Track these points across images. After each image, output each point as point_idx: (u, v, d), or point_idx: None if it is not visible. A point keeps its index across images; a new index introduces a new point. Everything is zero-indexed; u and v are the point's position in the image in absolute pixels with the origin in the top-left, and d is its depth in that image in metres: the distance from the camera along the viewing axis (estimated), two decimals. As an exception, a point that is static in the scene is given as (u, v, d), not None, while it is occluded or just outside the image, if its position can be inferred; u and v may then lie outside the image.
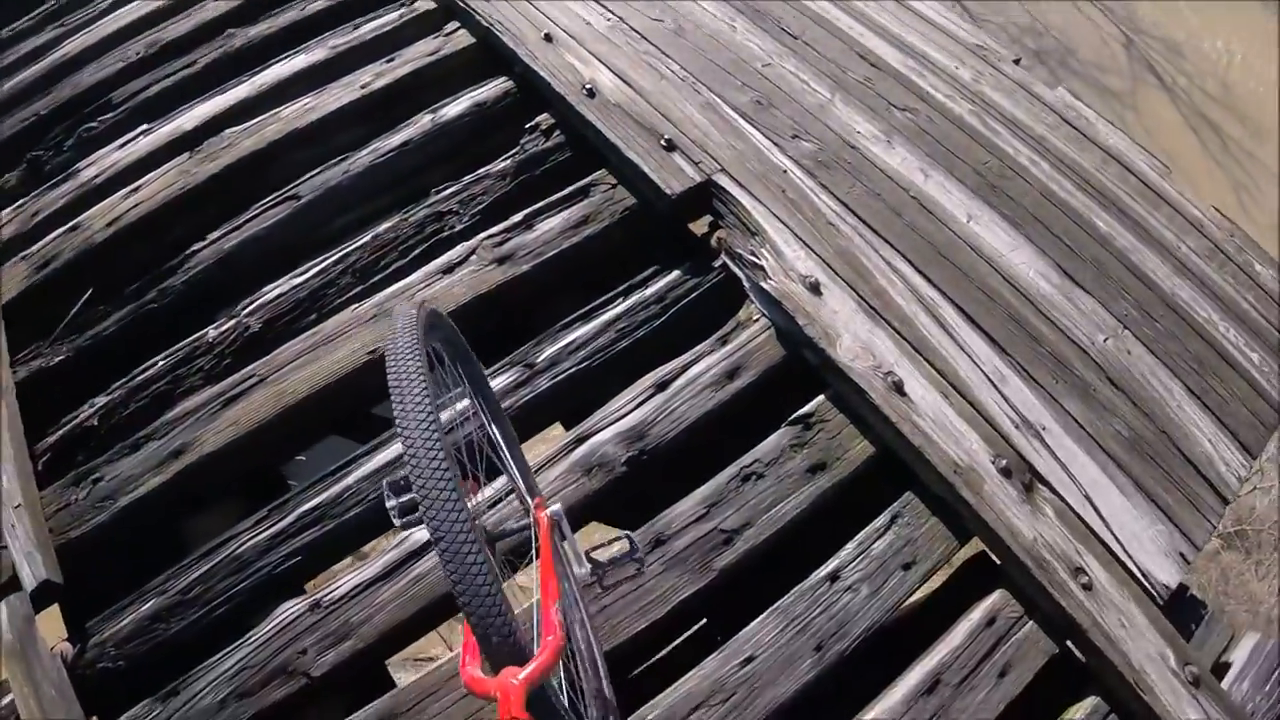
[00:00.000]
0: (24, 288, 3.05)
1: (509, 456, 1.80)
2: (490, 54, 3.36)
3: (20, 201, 3.38)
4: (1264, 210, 9.21)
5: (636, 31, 3.25)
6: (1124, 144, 3.26)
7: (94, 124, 3.67)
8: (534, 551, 1.53)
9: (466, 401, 1.73)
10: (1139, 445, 2.72)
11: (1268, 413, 3.05)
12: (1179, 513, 2.62)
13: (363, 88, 3.33)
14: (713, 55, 3.16)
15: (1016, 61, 3.43)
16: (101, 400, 2.65)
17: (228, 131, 3.33)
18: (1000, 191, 2.92)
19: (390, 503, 1.37)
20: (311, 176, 3.13)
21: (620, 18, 3.32)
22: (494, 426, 1.80)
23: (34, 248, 3.14)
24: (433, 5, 3.58)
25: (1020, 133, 3.14)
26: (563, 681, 1.45)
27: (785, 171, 2.78)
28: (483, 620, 1.04)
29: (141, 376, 2.70)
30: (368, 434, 2.72)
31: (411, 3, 3.63)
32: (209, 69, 3.68)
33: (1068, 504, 2.51)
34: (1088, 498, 2.57)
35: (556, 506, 1.67)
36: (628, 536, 1.79)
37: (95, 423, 2.60)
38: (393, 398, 1.15)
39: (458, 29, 3.47)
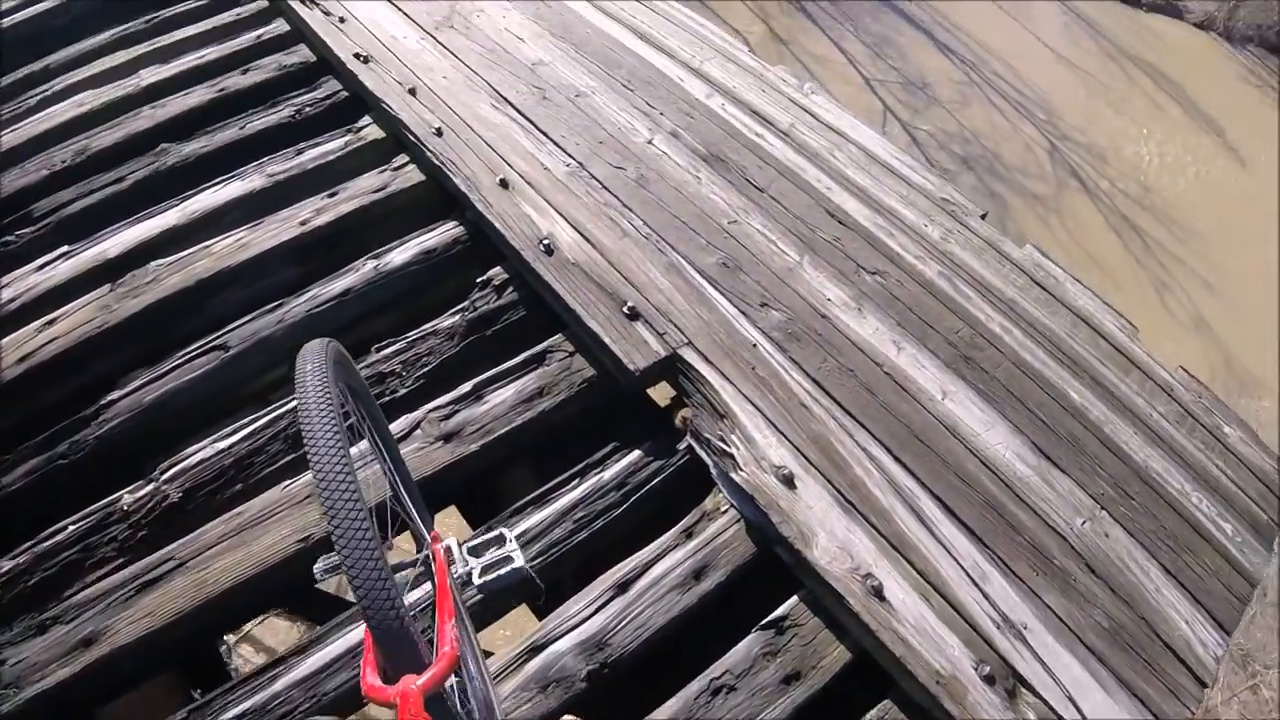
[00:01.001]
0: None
1: (404, 492, 1.88)
2: (441, 194, 3.27)
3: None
4: (1185, 308, 9.62)
5: (597, 180, 3.18)
6: (1092, 304, 3.29)
7: (12, 238, 3.46)
8: (431, 575, 1.74)
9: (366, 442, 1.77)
10: (1119, 635, 2.66)
11: (1241, 586, 3.04)
12: (1160, 705, 2.56)
13: (302, 224, 3.20)
14: (677, 209, 3.11)
15: (983, 216, 3.45)
16: (5, 564, 2.43)
17: (154, 264, 3.15)
18: (973, 363, 2.89)
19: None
20: (242, 324, 2.95)
21: (580, 163, 3.26)
22: (391, 464, 1.87)
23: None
24: (381, 135, 3.47)
25: (991, 296, 3.13)
26: (455, 689, 1.53)
27: (755, 345, 2.71)
28: (386, 632, 1.17)
29: (49, 542, 2.49)
30: (312, 607, 2.52)
31: (359, 130, 3.51)
32: (138, 187, 3.51)
33: (1050, 707, 2.42)
34: (1070, 699, 2.49)
35: (451, 540, 1.96)
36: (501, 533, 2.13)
37: (-8, 591, 2.33)
38: (308, 448, 1.25)
39: (407, 164, 3.37)
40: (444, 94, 3.54)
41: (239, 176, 3.39)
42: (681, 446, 2.62)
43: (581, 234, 2.97)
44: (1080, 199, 11.00)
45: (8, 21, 4.63)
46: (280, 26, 4.14)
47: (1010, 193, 10.88)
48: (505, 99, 3.55)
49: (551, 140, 3.38)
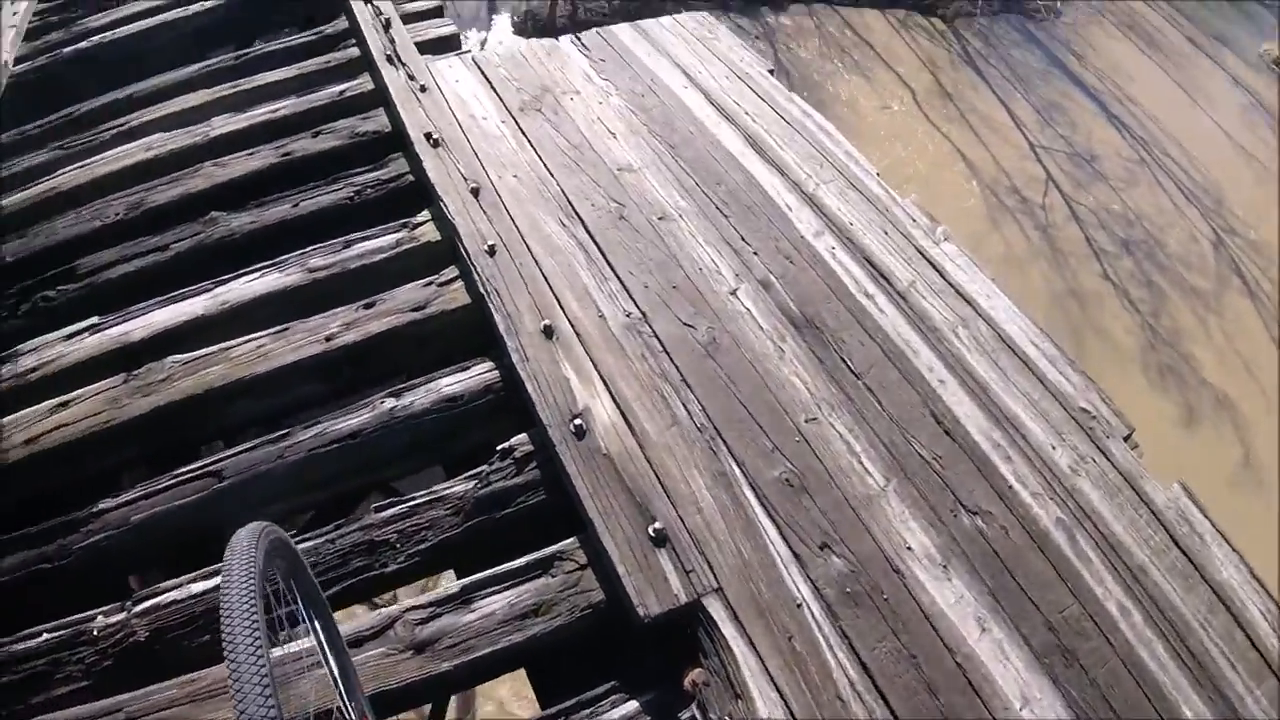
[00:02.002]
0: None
1: (348, 689, 1.84)
2: (484, 324, 2.95)
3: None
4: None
5: (659, 340, 2.80)
6: (1238, 577, 2.68)
7: (53, 294, 3.42)
8: None
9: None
10: None
11: None
12: None
13: (327, 339, 2.97)
14: (745, 394, 2.70)
15: (1128, 436, 2.86)
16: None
17: (170, 360, 3.02)
18: (1072, 659, 2.37)
19: None
20: (240, 453, 2.76)
21: (643, 313, 2.89)
22: (326, 642, 1.84)
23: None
24: (437, 237, 3.21)
25: (1117, 561, 2.58)
26: None
27: (800, 605, 2.28)
28: None
29: (21, 646, 2.45)
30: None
31: (415, 226, 3.26)
32: (180, 259, 3.42)
33: None
34: None
35: None
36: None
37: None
38: (224, 646, 1.27)
39: (455, 279, 3.10)
40: (510, 198, 3.24)
41: (278, 267, 3.20)
42: (685, 716, 2.22)
43: (624, 414, 2.61)
44: (1242, 300, 10.26)
45: (109, 36, 4.64)
46: (364, 84, 3.95)
47: (1169, 284, 10.20)
48: (577, 214, 3.22)
49: (617, 276, 3.02)
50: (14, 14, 5.19)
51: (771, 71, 4.16)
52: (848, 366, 2.87)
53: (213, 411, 2.99)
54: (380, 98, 3.83)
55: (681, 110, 3.79)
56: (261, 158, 3.66)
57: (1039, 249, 10.48)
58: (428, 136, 3.45)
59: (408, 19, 4.41)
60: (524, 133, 3.57)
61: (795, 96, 3.99)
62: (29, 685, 2.38)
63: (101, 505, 2.73)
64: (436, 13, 4.56)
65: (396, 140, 3.64)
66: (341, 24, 4.44)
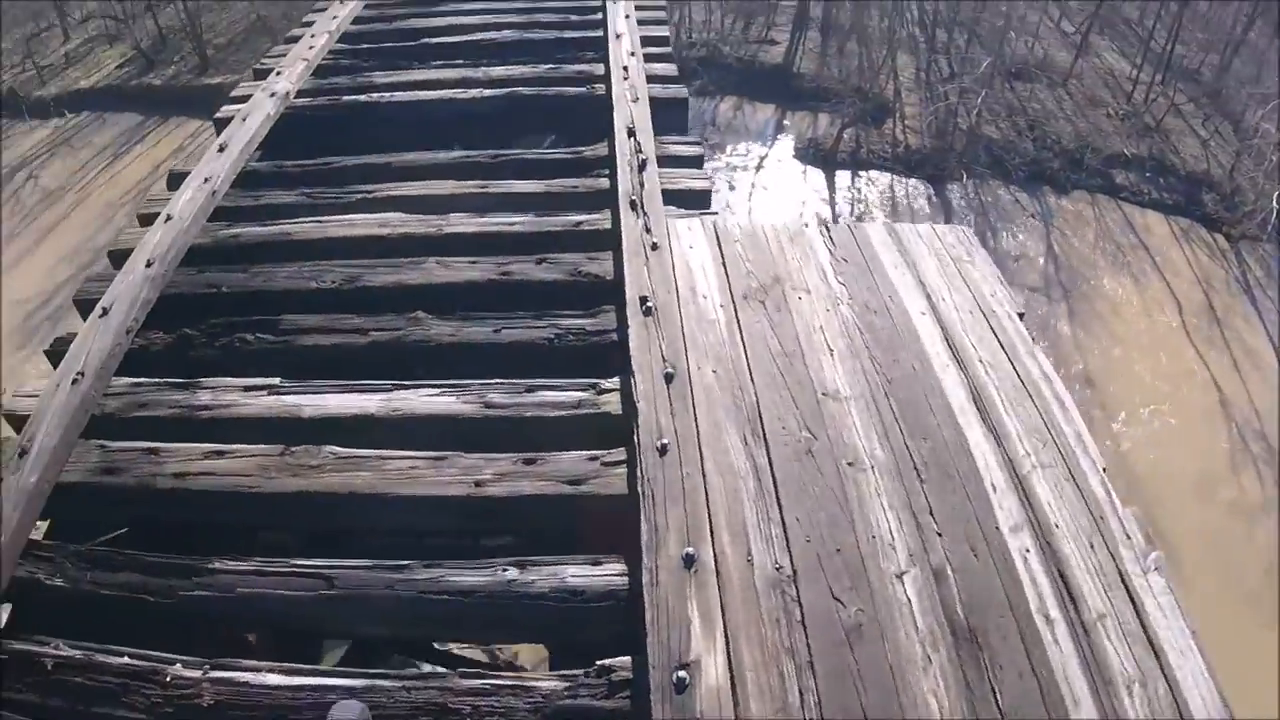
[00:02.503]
0: (77, 480, 3.40)
1: None
2: (626, 524, 3.07)
3: (137, 381, 3.75)
4: None
5: (800, 609, 2.84)
6: None
7: (250, 339, 3.90)
8: None
9: None
10: None
11: None
12: None
13: (476, 485, 3.23)
14: (872, 701, 2.67)
15: None
16: (60, 652, 2.82)
17: (327, 450, 3.44)
18: None
19: None
20: (356, 569, 3.05)
21: (793, 572, 2.95)
22: None
23: (107, 448, 3.49)
24: (618, 411, 3.39)
25: None
26: None
27: None
28: None
29: (104, 659, 2.82)
30: None
31: (601, 392, 3.49)
32: (373, 349, 3.85)
33: None
34: None
35: None
36: None
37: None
38: None
39: (619, 464, 3.29)
40: (701, 395, 3.41)
41: (458, 391, 3.56)
42: None
43: (734, 682, 2.64)
44: None
45: (389, 97, 5.30)
46: (601, 221, 4.31)
47: None
48: (764, 434, 3.32)
49: (782, 520, 3.08)
50: (310, 48, 6.05)
51: (1021, 315, 4.11)
52: (995, 701, 2.73)
53: (344, 515, 3.33)
54: (612, 241, 4.14)
55: (911, 340, 3.82)
56: (482, 270, 4.04)
57: (1272, 506, 10.11)
58: (642, 301, 3.69)
59: (665, 161, 4.75)
60: (739, 324, 3.74)
61: (1038, 352, 3.91)
62: (92, 695, 2.74)
63: (217, 564, 3.09)
64: (696, 161, 4.88)
65: (612, 292, 3.92)
66: (601, 149, 4.85)
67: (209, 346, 3.98)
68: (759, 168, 16.60)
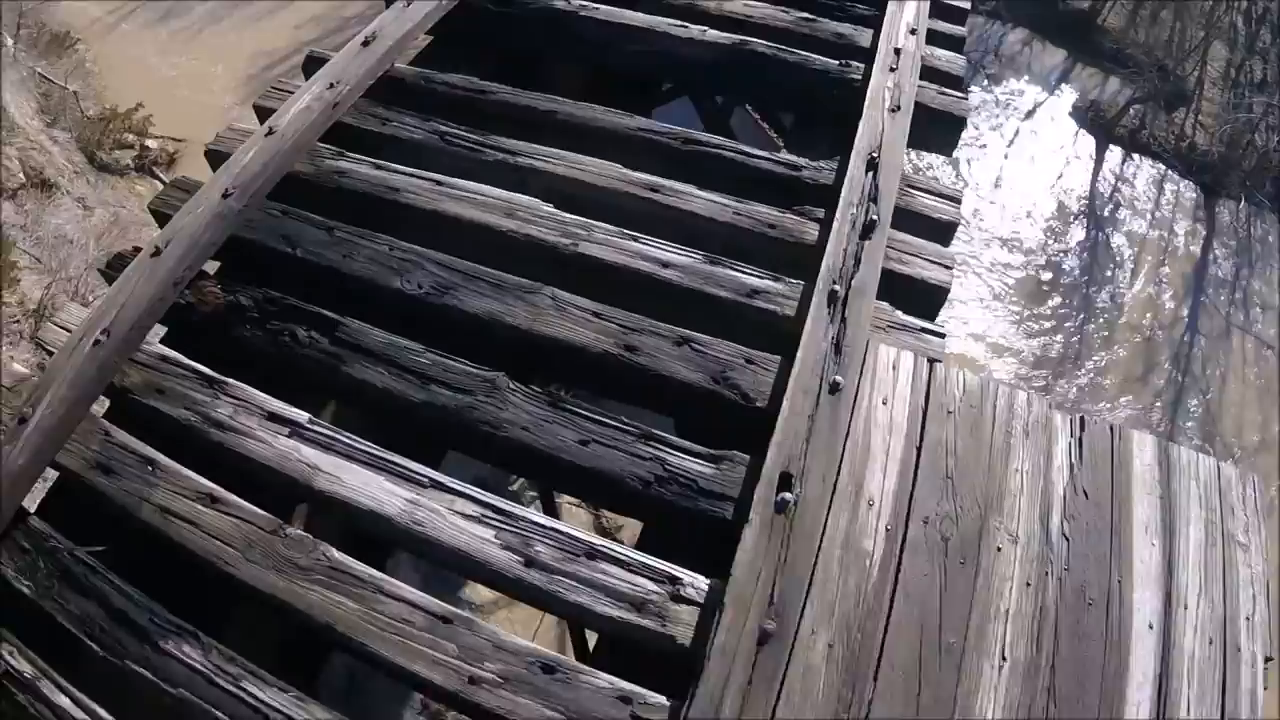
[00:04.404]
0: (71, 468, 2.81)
1: None
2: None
3: (165, 355, 3.04)
4: None
5: None
6: None
7: (302, 337, 3.21)
8: None
9: None
10: None
11: None
12: None
13: (470, 681, 2.25)
14: None
15: None
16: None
17: (323, 550, 2.60)
18: None
19: None
20: None
21: None
22: None
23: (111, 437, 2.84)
24: (687, 638, 2.28)
25: None
26: None
27: None
28: None
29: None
30: None
31: (677, 594, 2.40)
32: (426, 410, 2.93)
33: None
34: None
35: None
36: None
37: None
38: None
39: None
40: (795, 681, 2.29)
41: (499, 523, 2.49)
42: None
43: None
44: None
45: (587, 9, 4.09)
46: (781, 300, 3.13)
47: None
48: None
49: None
50: None
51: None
52: None
53: (328, 641, 2.53)
54: (786, 341, 2.86)
55: (1115, 673, 2.43)
56: (600, 333, 2.95)
57: None
58: (782, 483, 2.49)
59: (906, 219, 3.34)
60: (898, 572, 2.49)
61: None
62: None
63: (179, 651, 2.43)
64: (947, 230, 3.43)
65: (757, 429, 2.67)
66: (827, 173, 3.49)
67: (257, 328, 3.09)
68: (1029, 114, 14.36)
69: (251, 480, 2.75)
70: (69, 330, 3.04)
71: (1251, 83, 15.06)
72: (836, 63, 4.07)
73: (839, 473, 2.61)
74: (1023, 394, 2.90)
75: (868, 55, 4.07)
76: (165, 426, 2.88)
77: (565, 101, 3.79)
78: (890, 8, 4.33)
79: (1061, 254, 12.13)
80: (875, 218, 3.18)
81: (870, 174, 3.36)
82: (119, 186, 11.90)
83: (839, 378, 2.72)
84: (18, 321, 8.92)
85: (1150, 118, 13.94)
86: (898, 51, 4.00)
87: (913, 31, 4.17)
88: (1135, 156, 13.69)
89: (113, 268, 3.29)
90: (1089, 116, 14.09)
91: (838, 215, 3.19)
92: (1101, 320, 11.37)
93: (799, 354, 2.79)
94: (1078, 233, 12.48)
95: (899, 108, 3.70)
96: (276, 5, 15.04)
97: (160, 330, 3.18)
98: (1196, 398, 10.73)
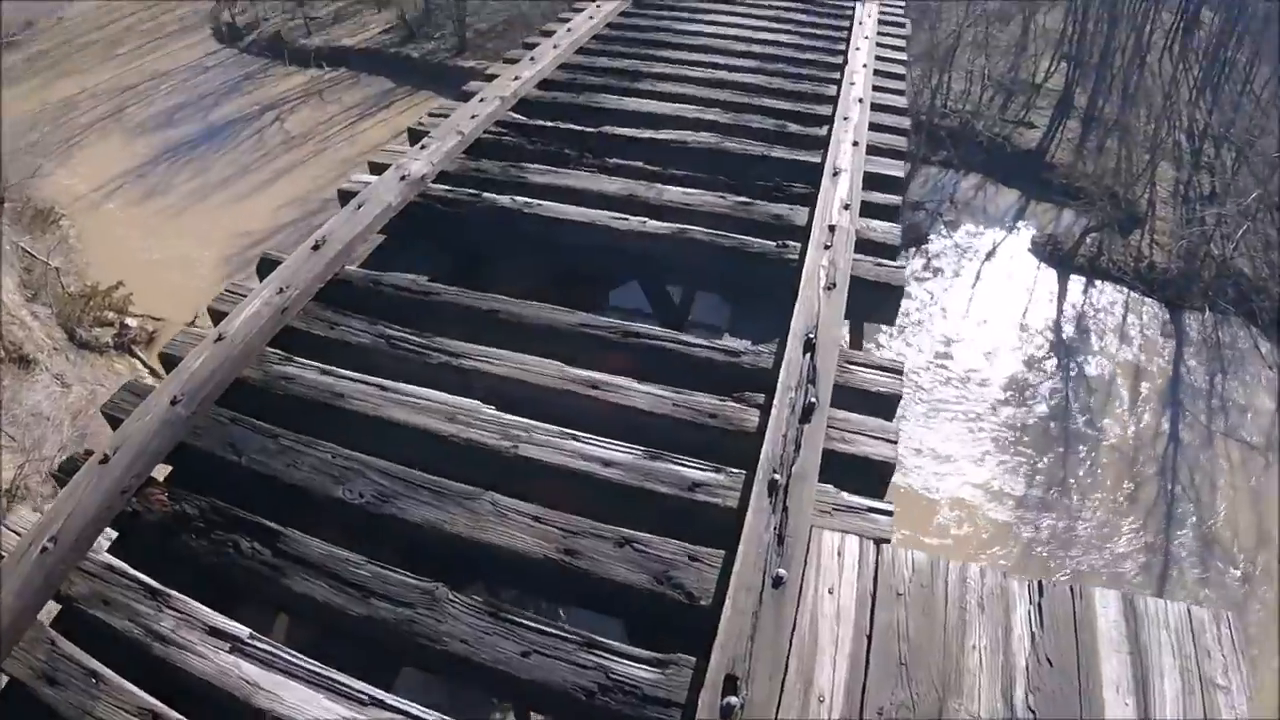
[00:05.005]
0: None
1: None
2: None
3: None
4: None
5: None
6: None
7: (243, 546, 3.02)
8: None
9: None
10: None
11: None
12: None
13: None
14: None
15: None
16: None
17: None
18: None
19: None
20: None
21: None
22: None
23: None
24: None
25: None
26: None
27: None
28: None
29: None
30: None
31: None
32: (364, 627, 2.80)
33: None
34: None
35: None
36: None
37: None
38: None
39: None
40: None
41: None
42: None
43: None
44: None
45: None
46: (724, 490, 3.04)
47: None
48: None
49: None
50: (555, 47, 6.12)
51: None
52: None
53: None
54: (726, 535, 2.82)
55: None
56: (538, 536, 2.93)
57: None
58: (727, 685, 2.38)
59: (847, 398, 3.36)
60: None
61: None
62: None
63: None
64: (889, 405, 3.45)
65: (698, 635, 2.60)
66: (767, 358, 3.55)
67: (202, 537, 3.06)
68: (990, 255, 14.77)
69: (192, 695, 2.63)
70: (19, 534, 2.99)
71: (1201, 196, 15.43)
72: (774, 244, 4.21)
73: (786, 670, 2.51)
74: (975, 567, 2.85)
75: (804, 233, 4.21)
76: (110, 638, 2.79)
77: (508, 300, 3.87)
78: (824, 184, 4.52)
79: (1035, 386, 12.23)
80: (814, 400, 3.20)
81: (808, 355, 3.41)
82: (98, 364, 11.98)
83: (782, 571, 2.67)
84: (-11, 501, 8.78)
85: (1107, 243, 14.25)
86: (832, 229, 4.14)
87: (846, 207, 4.33)
88: (1097, 282, 13.98)
89: (65, 471, 3.27)
90: (1048, 250, 14.41)
91: (775, 400, 3.22)
92: (1084, 446, 11.38)
93: (740, 548, 2.74)
94: (1049, 363, 12.63)
95: (834, 285, 3.80)
96: (258, 186, 15.60)
97: (111, 534, 3.15)
98: (1188, 506, 10.68)
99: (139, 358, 12.34)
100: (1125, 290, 13.80)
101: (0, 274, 11.72)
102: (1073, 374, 12.47)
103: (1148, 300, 13.62)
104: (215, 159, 16.34)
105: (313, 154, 16.46)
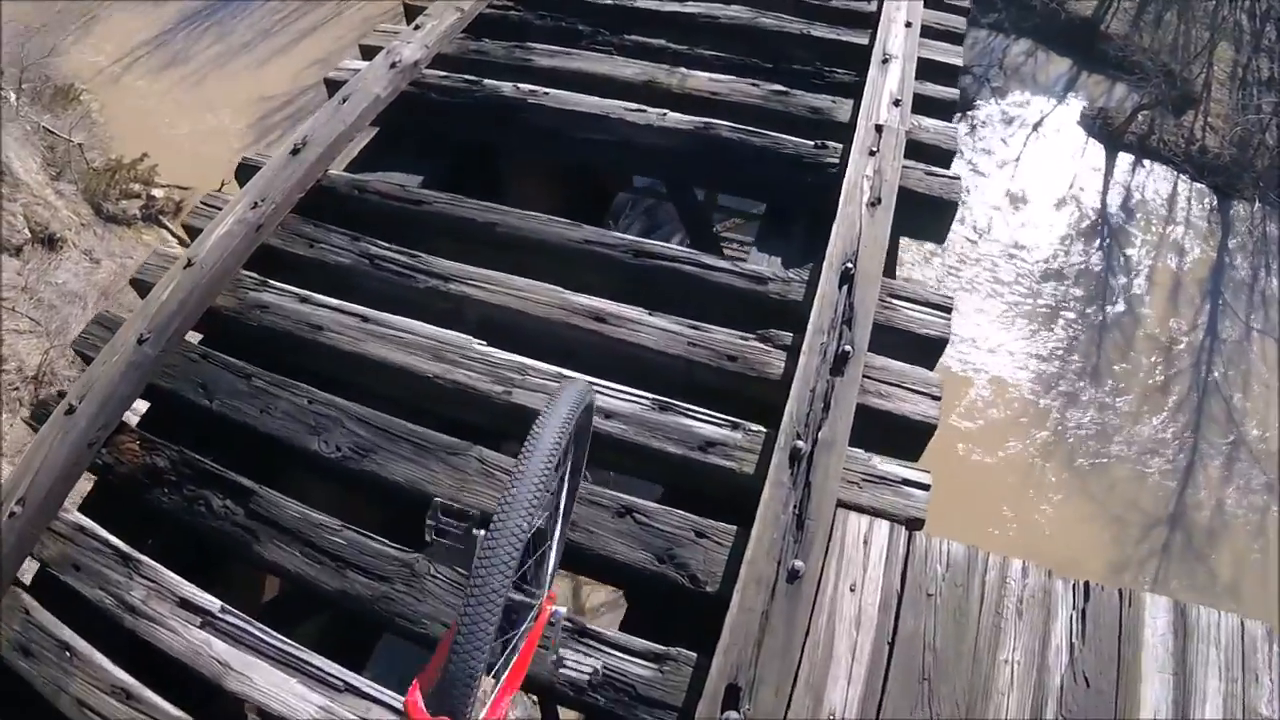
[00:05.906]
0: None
1: (557, 539, 1.97)
2: None
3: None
4: None
5: None
6: None
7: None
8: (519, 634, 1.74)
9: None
10: None
11: None
12: None
13: None
14: None
15: None
16: None
17: None
18: None
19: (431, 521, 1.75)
20: None
21: None
22: (562, 511, 1.99)
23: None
24: None
25: None
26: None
27: None
28: (459, 677, 1.42)
29: None
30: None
31: None
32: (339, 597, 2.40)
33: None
34: None
35: (563, 609, 1.85)
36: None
37: None
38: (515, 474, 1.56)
39: None
40: None
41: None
42: None
43: None
44: None
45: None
46: (743, 448, 2.63)
47: None
48: None
49: None
50: None
51: None
52: None
53: None
54: (740, 504, 2.46)
55: None
56: None
57: None
58: (731, 695, 2.11)
59: (888, 340, 2.92)
60: None
61: None
62: None
63: None
64: (930, 350, 3.01)
65: (704, 625, 2.28)
66: (797, 287, 3.07)
67: (174, 492, 2.83)
68: (1036, 126, 13.81)
69: (164, 673, 2.46)
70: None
71: (1260, 81, 14.45)
72: (811, 144, 3.65)
73: (795, 682, 2.20)
74: (1018, 562, 2.47)
75: (847, 132, 3.65)
76: (81, 607, 2.62)
77: (507, 211, 3.41)
78: (871, 73, 3.90)
79: (1075, 265, 11.63)
80: (849, 348, 2.75)
81: (844, 289, 2.94)
82: (126, 237, 11.75)
83: (798, 562, 2.31)
84: (16, 389, 8.73)
85: (1159, 122, 13.39)
86: (879, 129, 3.56)
87: (896, 102, 3.72)
88: (1146, 162, 13.18)
89: (37, 418, 3.02)
90: (1097, 124, 13.55)
91: (805, 346, 2.78)
92: (1120, 332, 10.91)
93: (754, 532, 2.39)
94: (1091, 242, 11.96)
95: (879, 201, 3.27)
96: (280, 49, 14.90)
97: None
98: (1219, 403, 10.27)
99: (167, 227, 12.09)
100: (1174, 172, 13.04)
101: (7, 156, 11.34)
102: (1115, 256, 11.82)
103: (1197, 184, 12.85)
104: (235, 24, 15.54)
105: (333, 14, 15.61)
